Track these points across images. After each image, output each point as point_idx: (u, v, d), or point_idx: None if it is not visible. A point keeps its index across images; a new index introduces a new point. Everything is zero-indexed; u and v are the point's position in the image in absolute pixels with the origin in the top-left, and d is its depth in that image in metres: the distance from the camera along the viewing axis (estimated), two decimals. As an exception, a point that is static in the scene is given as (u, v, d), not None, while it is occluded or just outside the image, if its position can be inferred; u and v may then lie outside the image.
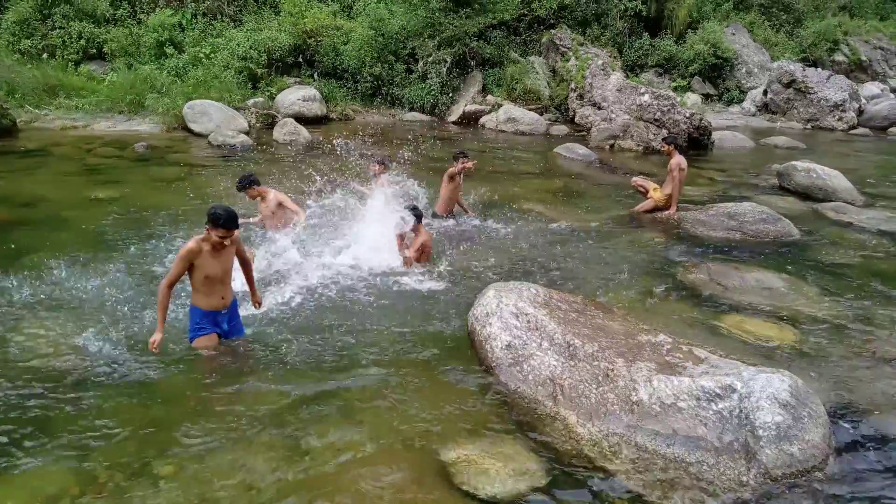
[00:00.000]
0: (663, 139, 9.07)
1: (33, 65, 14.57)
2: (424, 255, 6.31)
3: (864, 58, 22.62)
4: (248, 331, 4.76)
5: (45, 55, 15.24)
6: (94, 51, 15.74)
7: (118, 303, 5.29)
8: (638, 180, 8.96)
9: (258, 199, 6.75)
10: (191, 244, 4.12)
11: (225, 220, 4.08)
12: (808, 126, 18.35)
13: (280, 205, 6.72)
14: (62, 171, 9.60)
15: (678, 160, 8.46)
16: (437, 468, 3.50)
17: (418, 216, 6.26)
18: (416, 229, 6.26)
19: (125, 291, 5.52)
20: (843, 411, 4.18)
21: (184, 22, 16.34)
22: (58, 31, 15.52)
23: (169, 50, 15.50)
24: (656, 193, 8.60)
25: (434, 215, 7.97)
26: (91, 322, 4.93)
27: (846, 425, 4.03)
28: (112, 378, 4.22)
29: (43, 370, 4.27)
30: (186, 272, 4.23)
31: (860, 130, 17.93)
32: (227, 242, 4.18)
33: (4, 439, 3.60)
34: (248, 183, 6.62)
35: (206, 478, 3.35)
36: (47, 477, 3.32)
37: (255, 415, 3.89)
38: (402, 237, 6.33)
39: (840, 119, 18.20)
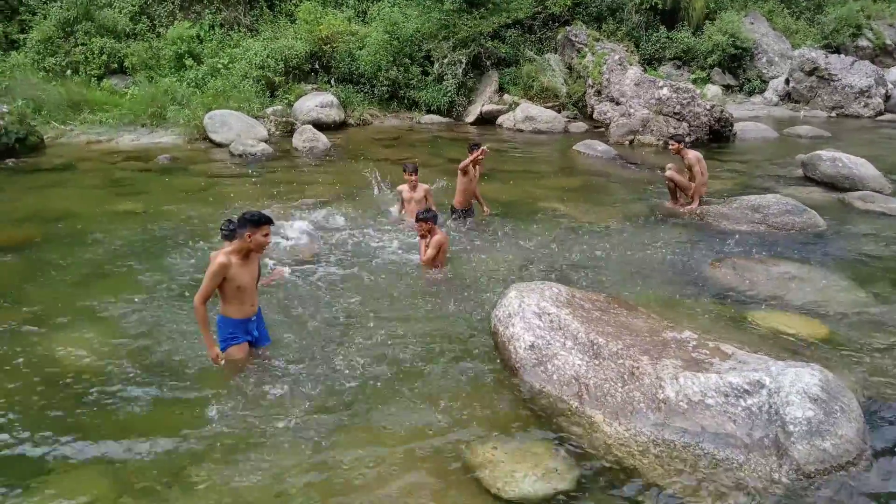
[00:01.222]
0: (671, 137, 8.85)
1: (58, 82, 14.87)
2: (441, 256, 6.30)
3: (889, 42, 22.09)
4: (272, 336, 4.82)
5: (68, 72, 15.55)
6: (116, 65, 16.02)
7: (148, 313, 5.39)
8: (672, 169, 8.63)
9: None
10: (221, 259, 4.16)
11: (266, 218, 4.24)
12: (833, 114, 17.98)
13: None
14: (88, 185, 9.80)
15: (695, 154, 8.34)
16: (463, 470, 3.51)
17: (433, 217, 6.26)
18: (432, 230, 6.26)
19: (155, 301, 5.63)
20: (878, 405, 4.09)
21: (202, 34, 16.56)
22: (80, 47, 15.82)
23: (188, 62, 15.73)
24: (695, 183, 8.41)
25: (452, 210, 7.96)
26: (122, 333, 5.04)
27: (882, 419, 3.95)
28: (144, 388, 4.30)
29: (77, 380, 4.37)
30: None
31: (888, 116, 17.51)
32: (269, 239, 4.30)
33: (41, 448, 3.69)
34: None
35: (237, 485, 3.40)
36: (83, 483, 3.41)
37: (283, 421, 3.94)
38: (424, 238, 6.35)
39: (866, 105, 17.81)
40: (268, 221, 4.26)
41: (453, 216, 7.92)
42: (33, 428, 3.86)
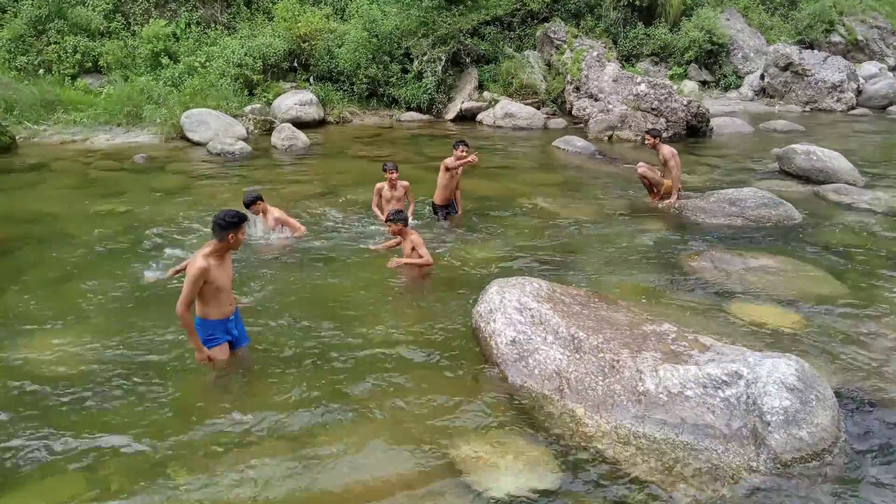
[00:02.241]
0: (647, 132, 8.87)
1: (30, 81, 14.60)
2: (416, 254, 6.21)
3: (860, 37, 22.51)
4: (252, 336, 4.78)
5: (41, 71, 15.27)
6: (90, 64, 15.76)
7: (125, 314, 5.32)
8: (643, 167, 8.74)
9: (260, 214, 7.02)
10: (201, 263, 4.11)
11: (243, 216, 4.26)
12: (807, 108, 18.26)
13: (278, 221, 7.07)
14: (63, 186, 9.64)
15: (670, 149, 8.41)
16: (446, 466, 3.51)
17: (404, 219, 6.15)
18: (402, 231, 6.13)
19: (131, 302, 5.55)
20: (852, 393, 4.17)
21: (178, 32, 16.35)
22: (53, 46, 15.54)
23: (164, 60, 15.53)
24: (667, 181, 8.49)
25: (433, 207, 7.93)
26: (98, 335, 4.96)
27: (855, 407, 4.03)
28: (119, 389, 4.24)
29: (53, 380, 4.30)
30: None
31: (859, 110, 17.84)
32: (245, 234, 4.34)
33: (16, 447, 3.64)
34: (253, 199, 6.98)
35: (218, 482, 3.38)
36: (59, 486, 3.36)
37: (264, 419, 3.91)
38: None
39: (839, 100, 18.11)
40: (245, 219, 4.28)
41: (435, 213, 7.90)
42: (7, 431, 3.79)
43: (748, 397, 3.58)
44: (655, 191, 8.66)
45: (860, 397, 4.13)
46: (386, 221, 6.24)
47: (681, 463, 3.44)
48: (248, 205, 6.92)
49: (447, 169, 7.60)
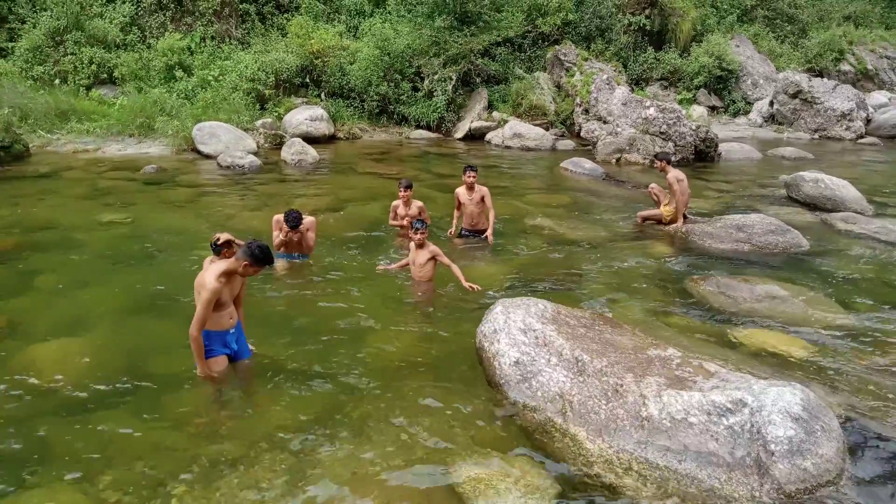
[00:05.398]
0: (655, 156, 9.04)
1: (46, 90, 14.80)
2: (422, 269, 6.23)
3: (870, 67, 22.61)
4: (252, 350, 4.78)
5: (57, 81, 15.49)
6: (105, 75, 15.99)
7: (129, 323, 5.33)
8: (655, 188, 8.95)
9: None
10: (215, 286, 4.14)
11: (268, 260, 4.20)
12: (816, 136, 18.29)
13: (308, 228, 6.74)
14: (73, 195, 9.72)
15: (675, 174, 8.47)
16: (446, 488, 3.48)
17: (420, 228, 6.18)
18: (422, 243, 6.16)
19: (136, 313, 5.57)
20: (858, 424, 4.12)
21: (192, 45, 16.58)
22: (70, 57, 15.79)
23: (178, 73, 15.73)
24: (665, 209, 8.61)
25: (461, 230, 7.91)
26: (103, 345, 4.97)
27: (861, 438, 3.98)
28: (120, 400, 4.24)
29: (51, 392, 4.30)
30: None
31: (868, 139, 17.87)
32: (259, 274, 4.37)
33: (13, 461, 3.62)
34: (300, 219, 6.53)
35: (216, 498, 3.35)
36: (57, 499, 3.33)
37: (263, 436, 3.89)
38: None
39: (847, 128, 18.14)
40: (267, 263, 4.23)
41: (461, 235, 7.89)
42: (6, 440, 3.79)
43: (752, 426, 3.54)
44: (667, 201, 8.76)
45: (866, 428, 4.08)
46: (412, 228, 6.18)
47: (682, 491, 3.40)
48: (295, 226, 6.44)
49: (460, 195, 7.66)
